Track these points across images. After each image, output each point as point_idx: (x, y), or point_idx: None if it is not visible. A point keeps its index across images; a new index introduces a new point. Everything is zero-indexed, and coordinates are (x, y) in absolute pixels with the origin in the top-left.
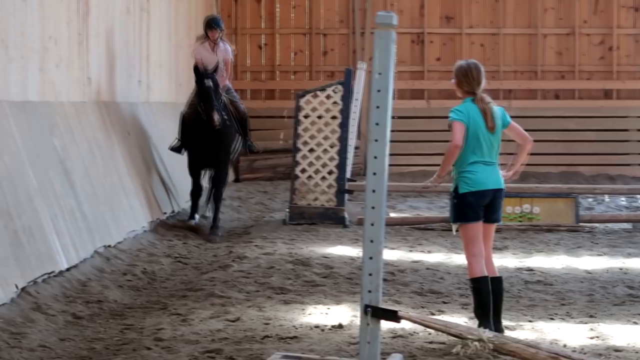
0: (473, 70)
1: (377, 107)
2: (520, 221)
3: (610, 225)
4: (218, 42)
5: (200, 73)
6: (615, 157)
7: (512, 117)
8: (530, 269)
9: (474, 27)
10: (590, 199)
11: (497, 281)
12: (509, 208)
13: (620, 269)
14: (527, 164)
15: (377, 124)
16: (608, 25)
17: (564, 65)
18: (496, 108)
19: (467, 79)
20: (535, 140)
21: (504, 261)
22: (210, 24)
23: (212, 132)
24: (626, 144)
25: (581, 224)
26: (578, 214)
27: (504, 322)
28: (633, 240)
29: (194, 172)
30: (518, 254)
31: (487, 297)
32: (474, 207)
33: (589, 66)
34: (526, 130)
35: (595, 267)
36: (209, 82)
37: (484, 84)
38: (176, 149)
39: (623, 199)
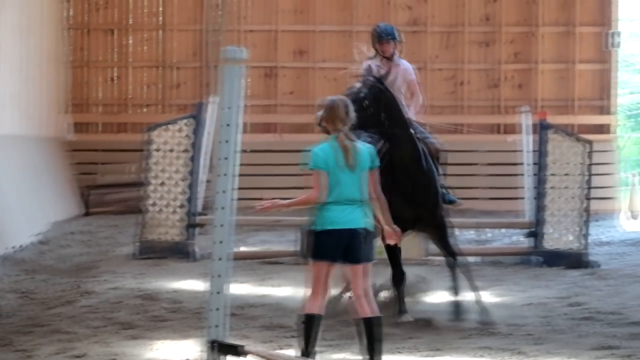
0: (335, 107)
1: (226, 141)
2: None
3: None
4: (395, 60)
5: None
6: (464, 190)
7: None
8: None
9: (326, 61)
10: None
11: (372, 322)
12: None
13: (468, 302)
14: None
15: (225, 158)
16: (458, 60)
17: None
18: (363, 147)
19: (331, 116)
20: None
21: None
22: (381, 36)
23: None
24: (475, 178)
25: (430, 257)
26: (427, 247)
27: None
28: (481, 274)
29: None
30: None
31: (310, 335)
32: (322, 246)
33: (439, 100)
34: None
35: (443, 301)
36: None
37: (350, 120)
38: None
39: (472, 232)
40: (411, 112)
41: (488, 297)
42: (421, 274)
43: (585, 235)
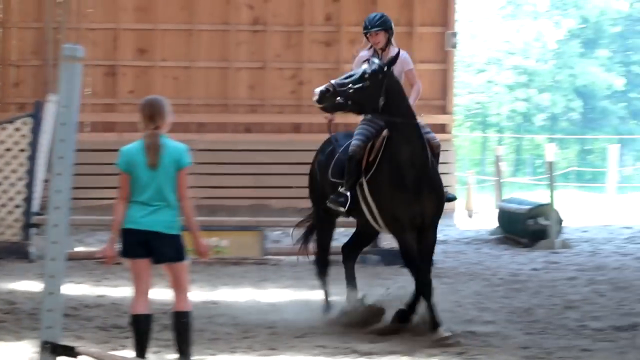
0: (145, 107)
1: (62, 140)
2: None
3: (295, 257)
4: (388, 49)
5: None
6: (305, 190)
7: (204, 150)
8: (214, 302)
9: (167, 60)
10: (278, 232)
11: (179, 315)
12: None
13: (304, 301)
14: (217, 197)
15: (61, 157)
16: (299, 59)
17: (255, 98)
18: (173, 146)
19: (141, 115)
20: (226, 174)
21: (189, 295)
22: (367, 27)
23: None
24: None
25: (268, 256)
26: (264, 247)
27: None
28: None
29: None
30: (204, 288)
31: (140, 335)
32: (127, 244)
33: (280, 100)
34: (217, 164)
35: (280, 300)
36: None
37: (162, 120)
38: None
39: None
40: (412, 102)
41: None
42: None
43: None
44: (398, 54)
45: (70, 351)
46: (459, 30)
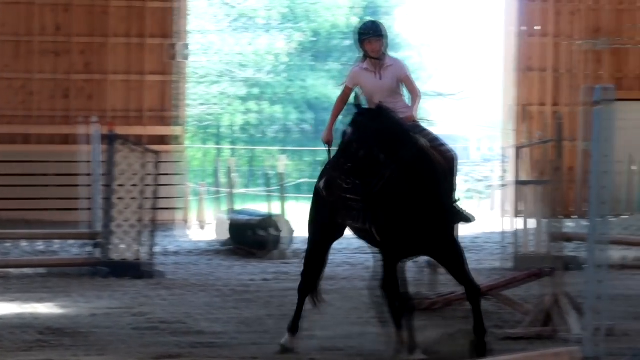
0: None
1: None
2: None
3: (25, 270)
4: (383, 59)
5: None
6: (34, 202)
7: None
8: None
9: None
10: (8, 244)
11: None
12: None
13: (32, 314)
14: None
15: None
16: (29, 69)
17: None
18: None
19: None
20: None
21: None
22: (367, 34)
23: None
24: (43, 189)
25: None
26: None
27: None
28: (46, 285)
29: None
30: None
31: None
32: None
33: (10, 110)
34: None
35: (7, 313)
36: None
37: None
38: None
39: (40, 243)
40: (414, 112)
41: (53, 308)
42: None
43: (152, 246)
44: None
45: None
46: (190, 42)
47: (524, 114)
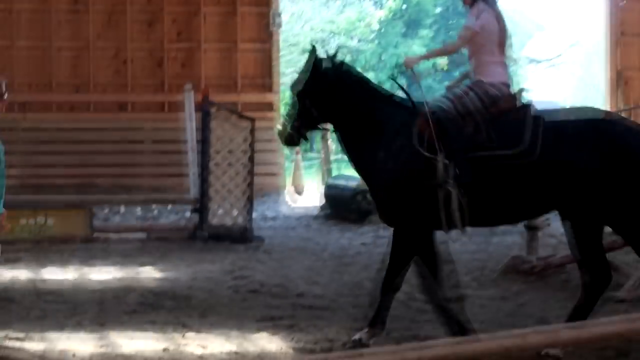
0: None
1: None
2: (31, 233)
3: (125, 235)
4: (477, 4)
5: None
6: (131, 168)
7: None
8: (43, 280)
9: None
10: (106, 210)
11: None
12: (23, 220)
13: (134, 278)
14: (43, 176)
15: None
16: (121, 38)
17: (78, 78)
18: None
19: None
20: (50, 153)
21: (17, 273)
22: None
23: None
24: (140, 156)
25: (96, 234)
26: (92, 224)
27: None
28: (146, 250)
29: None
30: (31, 266)
31: None
32: None
33: (105, 79)
34: (42, 143)
35: (108, 277)
36: None
37: None
38: None
39: (138, 209)
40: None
41: (154, 272)
42: None
43: (249, 211)
44: None
45: None
46: (283, 10)
47: (619, 79)
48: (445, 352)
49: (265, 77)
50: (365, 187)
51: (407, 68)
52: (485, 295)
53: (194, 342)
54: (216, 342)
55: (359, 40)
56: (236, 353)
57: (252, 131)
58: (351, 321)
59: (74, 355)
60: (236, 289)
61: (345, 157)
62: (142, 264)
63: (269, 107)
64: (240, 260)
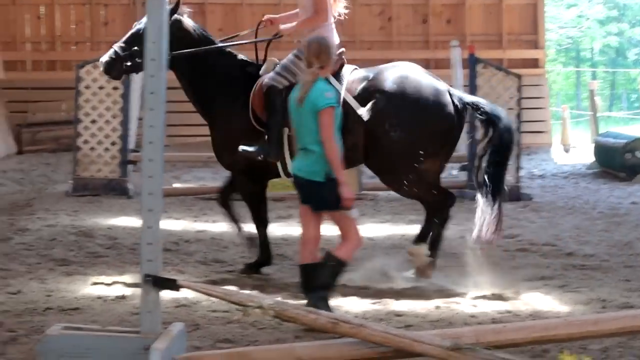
0: (311, 45)
1: (152, 75)
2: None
3: (392, 192)
4: None
5: None
6: None
7: None
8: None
9: None
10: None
11: (325, 255)
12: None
13: (402, 235)
14: None
15: (152, 92)
16: None
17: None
18: (318, 87)
19: (307, 53)
20: None
21: (289, 230)
22: None
23: None
24: None
25: (364, 192)
26: (361, 182)
27: None
28: (414, 207)
29: None
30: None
31: (305, 284)
32: (298, 190)
33: (369, 36)
34: None
35: (378, 234)
36: None
37: (320, 59)
38: None
39: None
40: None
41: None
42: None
43: (518, 169)
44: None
45: (172, 284)
46: None
47: None
48: None
49: (530, 33)
50: (635, 143)
51: None
52: None
53: (465, 300)
54: (488, 302)
55: None
56: (508, 312)
57: (519, 88)
58: (624, 282)
59: (346, 311)
60: (506, 248)
61: (607, 115)
62: (410, 222)
63: (535, 63)
64: (509, 218)
